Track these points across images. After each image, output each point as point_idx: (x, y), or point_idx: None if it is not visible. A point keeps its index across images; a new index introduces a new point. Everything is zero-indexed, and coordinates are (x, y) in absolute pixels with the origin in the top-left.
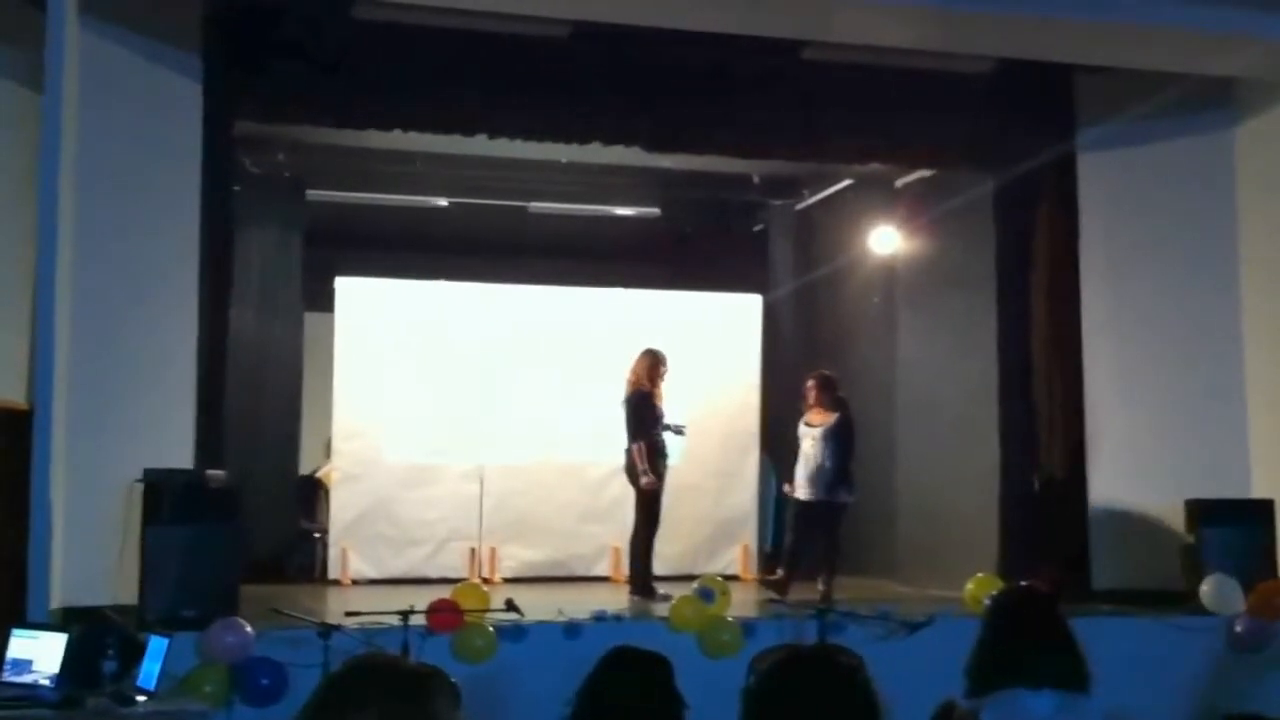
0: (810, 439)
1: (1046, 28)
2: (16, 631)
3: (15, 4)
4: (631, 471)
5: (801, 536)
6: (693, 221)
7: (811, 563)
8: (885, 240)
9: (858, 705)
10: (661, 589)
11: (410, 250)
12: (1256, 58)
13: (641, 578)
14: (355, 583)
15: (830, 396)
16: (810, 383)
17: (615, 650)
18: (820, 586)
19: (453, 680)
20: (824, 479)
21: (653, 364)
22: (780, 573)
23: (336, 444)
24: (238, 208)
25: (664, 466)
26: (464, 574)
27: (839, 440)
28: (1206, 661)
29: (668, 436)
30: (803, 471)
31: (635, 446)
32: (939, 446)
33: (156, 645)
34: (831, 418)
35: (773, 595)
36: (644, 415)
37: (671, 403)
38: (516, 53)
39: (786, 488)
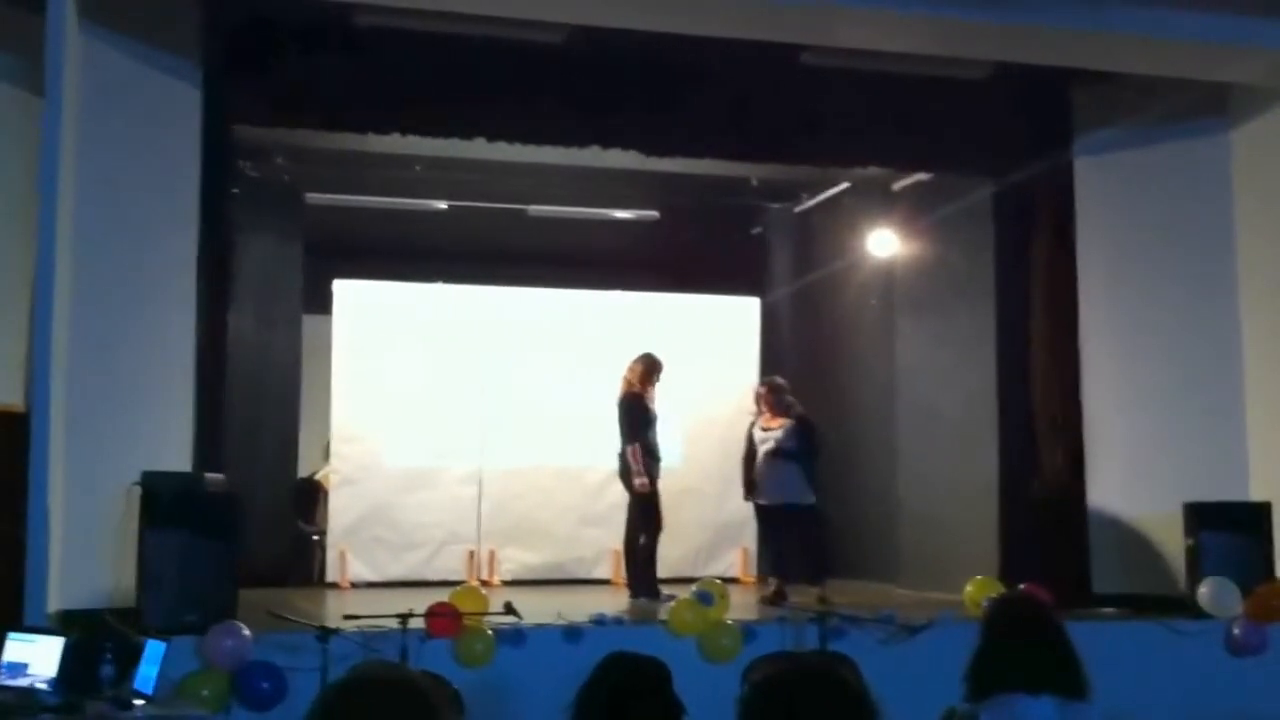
0: (770, 443)
1: (1044, 35)
2: (14, 635)
3: (15, 9)
4: (626, 474)
5: (776, 541)
6: (691, 225)
7: (798, 567)
8: (883, 244)
9: (853, 713)
10: (665, 590)
11: (408, 253)
12: (1253, 65)
13: (644, 580)
14: (354, 586)
15: (781, 402)
16: (761, 389)
17: (611, 655)
18: (817, 591)
19: (455, 688)
20: (788, 483)
21: (647, 368)
22: (773, 583)
23: (335, 447)
24: (236, 212)
25: (657, 469)
26: (463, 577)
27: (799, 443)
28: (1205, 665)
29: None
30: (764, 478)
31: (631, 449)
32: (939, 450)
33: (154, 649)
34: (787, 422)
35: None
36: (635, 417)
37: (669, 405)
38: (514, 57)
39: (746, 498)
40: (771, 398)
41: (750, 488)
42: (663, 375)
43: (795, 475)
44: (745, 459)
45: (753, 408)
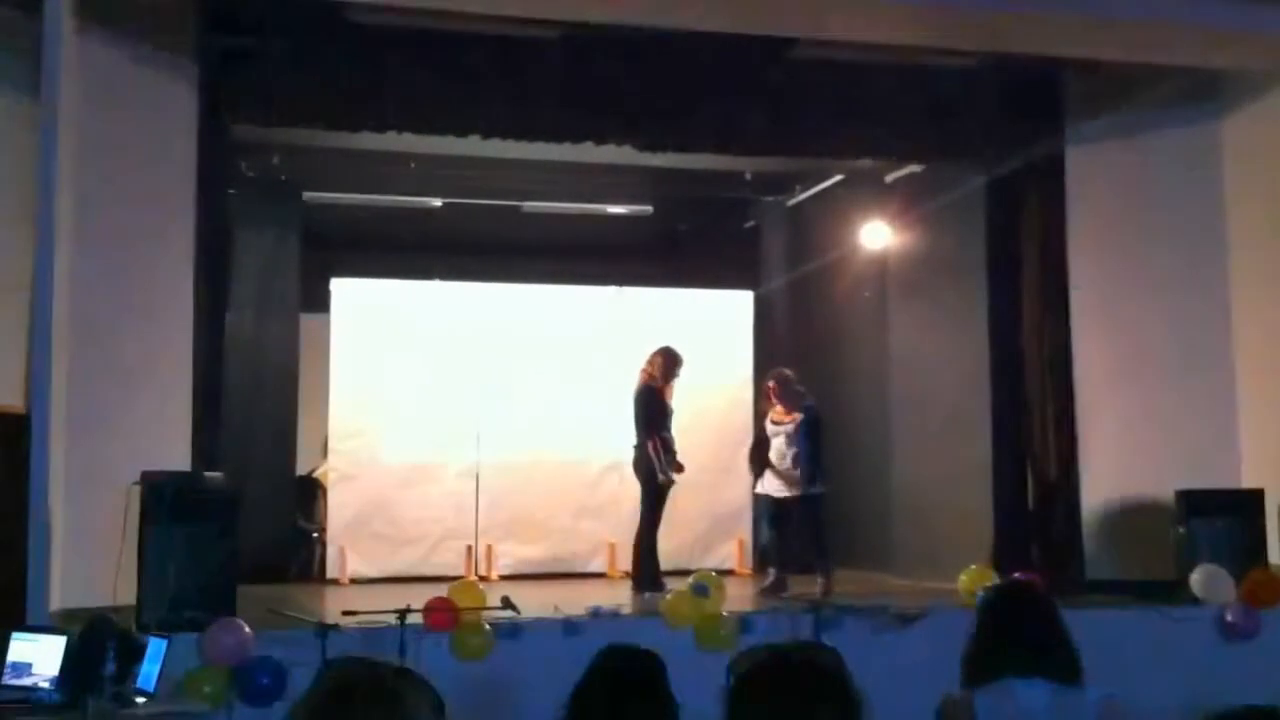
0: (782, 436)
1: (1034, 23)
2: (16, 634)
3: (11, 11)
4: (640, 467)
5: (782, 534)
6: (685, 219)
7: (803, 559)
8: (876, 235)
9: (837, 704)
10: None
11: (405, 251)
12: (1243, 50)
13: (649, 572)
14: (354, 581)
15: (791, 393)
16: (770, 383)
17: (607, 649)
18: (820, 580)
19: (432, 689)
20: (798, 474)
21: (668, 361)
22: (773, 573)
23: (333, 444)
24: (233, 210)
25: (672, 462)
26: (461, 572)
27: (808, 434)
28: (1198, 651)
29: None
30: (777, 469)
31: (651, 443)
32: (932, 440)
33: (156, 646)
34: (797, 415)
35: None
36: (654, 411)
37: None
38: (508, 54)
39: (759, 487)
40: (780, 390)
41: (759, 475)
42: (682, 369)
43: (804, 467)
44: (755, 446)
45: (748, 401)
